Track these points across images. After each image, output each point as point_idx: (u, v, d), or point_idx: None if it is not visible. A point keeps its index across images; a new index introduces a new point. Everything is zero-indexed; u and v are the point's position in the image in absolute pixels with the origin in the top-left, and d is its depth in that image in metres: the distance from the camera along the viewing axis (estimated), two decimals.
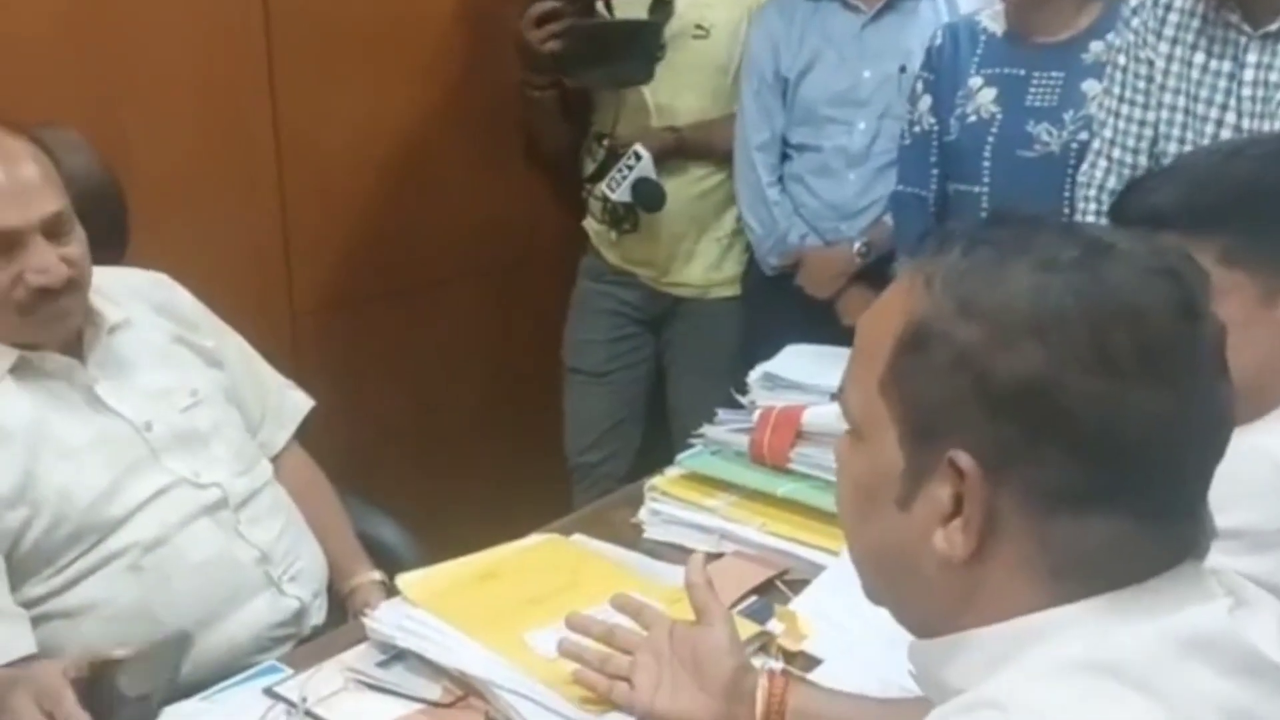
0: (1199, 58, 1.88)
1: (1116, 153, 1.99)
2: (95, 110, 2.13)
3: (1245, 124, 1.84)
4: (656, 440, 2.67)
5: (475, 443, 2.79)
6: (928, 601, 0.80)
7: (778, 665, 1.32)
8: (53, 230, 1.50)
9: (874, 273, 2.40)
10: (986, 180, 2.20)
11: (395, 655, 1.38)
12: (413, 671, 1.36)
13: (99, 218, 1.67)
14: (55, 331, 1.56)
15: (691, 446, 1.81)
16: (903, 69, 2.37)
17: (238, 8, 2.35)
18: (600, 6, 2.56)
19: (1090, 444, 0.73)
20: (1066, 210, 2.07)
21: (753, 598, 1.51)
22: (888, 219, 2.42)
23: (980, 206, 2.20)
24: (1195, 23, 1.88)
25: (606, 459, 2.77)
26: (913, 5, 2.43)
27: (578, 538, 1.66)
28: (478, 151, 2.73)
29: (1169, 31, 1.91)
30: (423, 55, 2.63)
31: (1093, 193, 2.02)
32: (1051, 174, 2.14)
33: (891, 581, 0.83)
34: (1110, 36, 2.06)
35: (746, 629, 1.35)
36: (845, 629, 1.41)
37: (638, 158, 2.53)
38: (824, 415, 1.66)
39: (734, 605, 1.45)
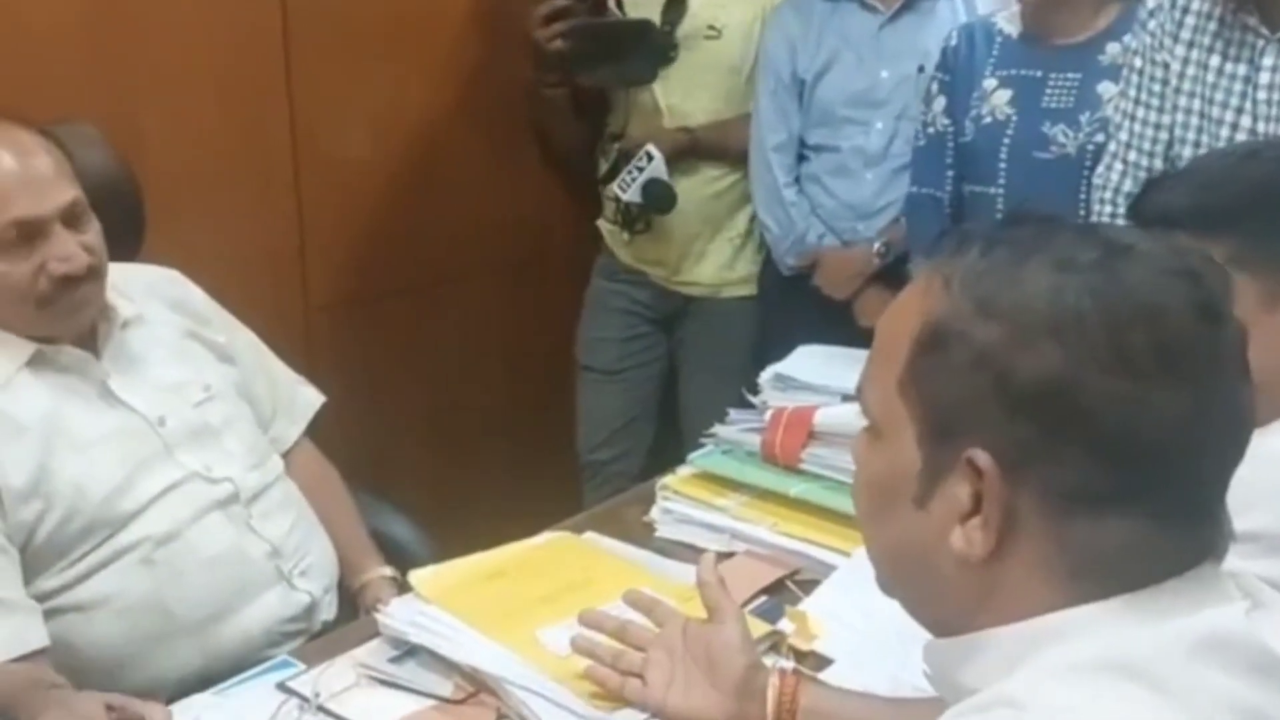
0: (1215, 61, 1.87)
1: (1132, 156, 1.98)
2: (112, 106, 2.13)
3: (1261, 127, 1.83)
4: (668, 439, 2.67)
5: (488, 440, 2.80)
6: (944, 600, 0.80)
7: (789, 664, 1.32)
8: (71, 218, 1.52)
9: (892, 273, 2.39)
10: (1002, 182, 2.19)
11: (407, 651, 1.39)
12: (425, 667, 1.36)
13: (115, 213, 1.68)
14: (72, 323, 1.56)
15: (703, 446, 1.81)
16: (921, 69, 2.36)
17: (255, 6, 2.35)
18: (612, 5, 2.57)
19: (1109, 444, 0.73)
20: (1082, 213, 2.07)
21: (763, 597, 1.51)
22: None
23: (996, 208, 2.19)
24: (1212, 25, 1.87)
25: (618, 457, 2.77)
26: (931, 5, 2.42)
27: (589, 536, 1.66)
28: (492, 149, 2.73)
29: (1185, 34, 1.90)
30: (438, 54, 2.63)
31: (1108, 195, 2.01)
32: (1067, 176, 2.13)
33: (908, 580, 0.84)
34: (1127, 39, 2.05)
35: (757, 629, 1.35)
36: (856, 629, 1.41)
37: (649, 158, 2.53)
38: (836, 416, 1.66)
39: (745, 605, 1.45)
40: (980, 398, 0.75)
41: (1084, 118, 2.13)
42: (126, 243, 1.79)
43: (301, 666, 1.40)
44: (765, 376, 1.84)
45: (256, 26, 2.36)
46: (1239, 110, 1.85)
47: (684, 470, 1.77)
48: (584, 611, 1.32)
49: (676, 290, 2.71)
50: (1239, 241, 1.15)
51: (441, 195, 2.67)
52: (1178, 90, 1.92)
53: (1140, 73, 1.96)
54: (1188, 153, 1.91)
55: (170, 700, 1.40)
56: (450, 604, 1.41)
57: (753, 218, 2.63)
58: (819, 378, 1.78)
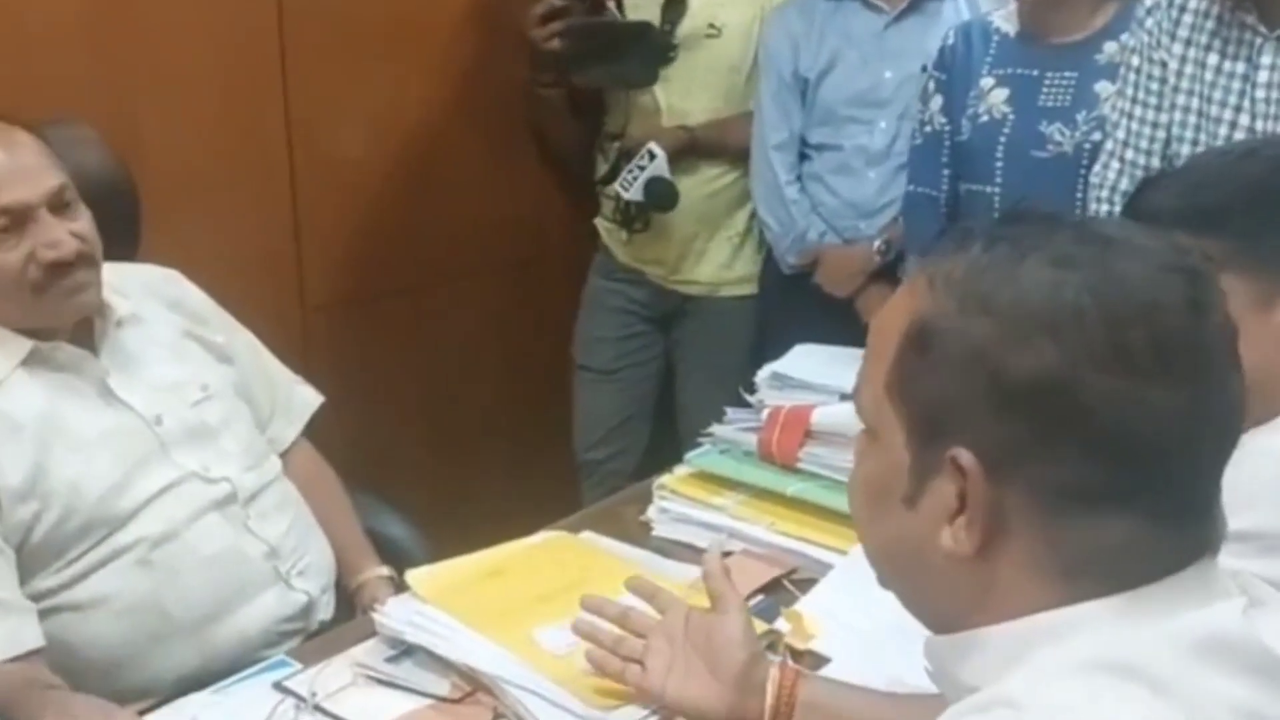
0: (1213, 59, 1.87)
1: (1129, 154, 1.98)
2: (109, 106, 2.13)
3: (1259, 126, 1.83)
4: (665, 438, 2.68)
5: (485, 439, 2.80)
6: (940, 598, 0.81)
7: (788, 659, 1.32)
8: (58, 205, 1.52)
9: (893, 271, 2.40)
10: (999, 180, 2.20)
11: (404, 650, 1.38)
12: (421, 667, 1.36)
13: (112, 213, 1.68)
14: (69, 309, 1.55)
15: (700, 445, 1.81)
16: (924, 69, 2.37)
17: (252, 6, 2.35)
18: (611, 5, 2.57)
19: (1103, 442, 0.73)
20: (1079, 211, 2.07)
21: (760, 596, 1.51)
22: None
23: (993, 207, 2.19)
24: (1210, 24, 1.87)
25: (614, 456, 2.77)
26: (936, 6, 2.42)
27: (586, 535, 1.66)
28: (489, 149, 2.73)
29: (1183, 33, 1.90)
30: (435, 52, 2.63)
31: (1105, 194, 2.01)
32: (1064, 174, 2.13)
33: (904, 577, 0.84)
34: (1124, 37, 2.05)
35: (754, 628, 1.35)
36: (853, 628, 1.41)
37: (651, 156, 2.53)
38: (833, 415, 1.65)
39: None
40: (968, 396, 0.75)
41: (1081, 116, 2.13)
42: (123, 242, 1.79)
43: (298, 666, 1.40)
44: (762, 375, 1.84)
45: (253, 26, 2.36)
46: (1237, 108, 1.85)
47: (681, 469, 1.77)
48: (586, 596, 1.32)
49: (674, 289, 2.71)
50: (1231, 241, 1.15)
51: (438, 195, 2.67)
52: (1175, 89, 1.92)
53: (1138, 71, 1.96)
54: (1185, 151, 1.91)
55: (166, 700, 1.40)
56: (447, 603, 1.41)
57: (752, 216, 2.63)
58: (816, 376, 1.78)
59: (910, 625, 0.86)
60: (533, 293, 2.89)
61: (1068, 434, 0.73)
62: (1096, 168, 2.04)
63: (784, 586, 1.54)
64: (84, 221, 1.55)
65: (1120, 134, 1.99)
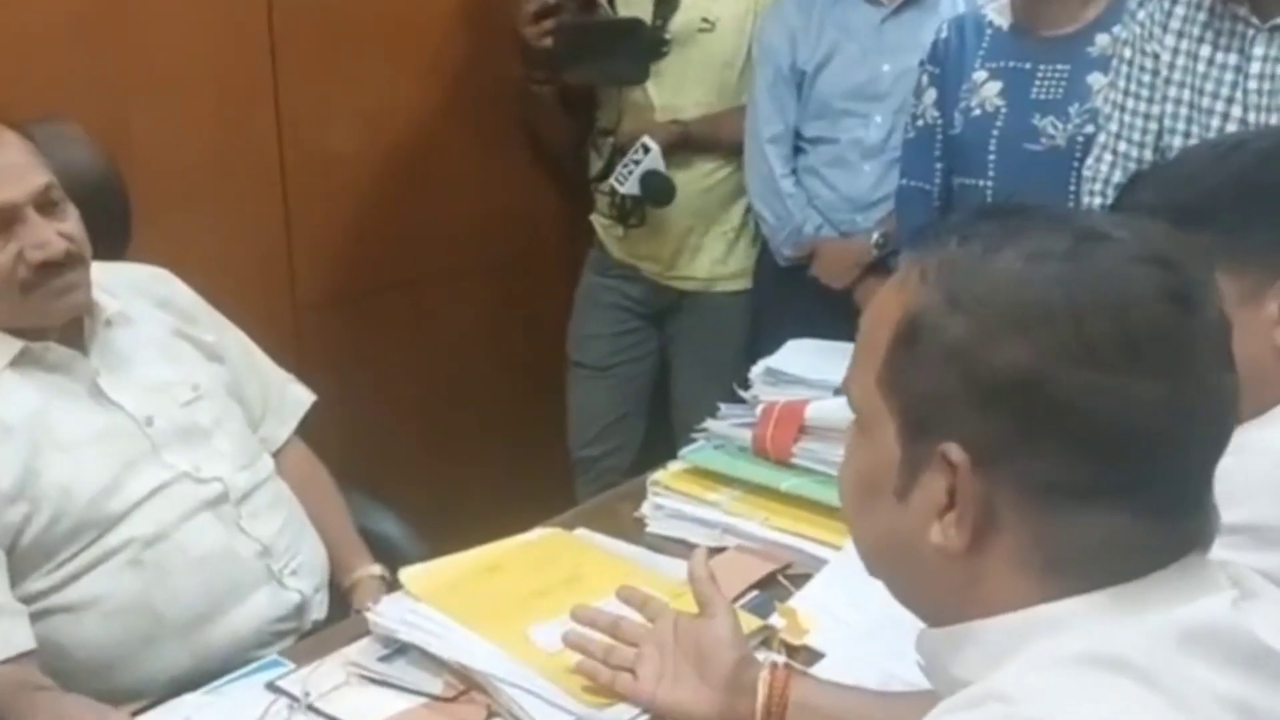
0: (1205, 50, 1.87)
1: (1122, 146, 1.98)
2: (98, 104, 2.12)
3: (1251, 117, 1.83)
4: (659, 435, 2.67)
5: (478, 436, 2.79)
6: (931, 592, 0.80)
7: (780, 659, 1.31)
8: (45, 204, 1.51)
9: (890, 264, 2.40)
10: (992, 174, 2.20)
11: (398, 649, 1.38)
12: (415, 665, 1.36)
13: (102, 212, 1.68)
14: (60, 308, 1.55)
15: (694, 441, 1.80)
16: (921, 63, 2.36)
17: (242, 3, 2.34)
18: (603, 1, 2.56)
19: (1082, 437, 0.72)
20: (1072, 204, 2.06)
21: (755, 592, 1.51)
22: None
23: (985, 200, 2.19)
24: (1201, 15, 1.87)
25: (609, 453, 2.77)
26: (934, 0, 2.42)
27: (581, 532, 1.66)
28: (481, 146, 2.73)
29: (1175, 24, 1.90)
30: (426, 49, 2.63)
31: (1098, 186, 2.01)
32: (1057, 167, 2.13)
33: (895, 571, 0.84)
34: (1116, 29, 2.05)
35: (748, 624, 1.35)
36: (847, 623, 1.41)
37: (646, 150, 2.52)
38: (827, 410, 1.65)
39: (736, 600, 1.44)
40: (953, 392, 0.74)
41: (1073, 109, 2.13)
42: (113, 241, 1.78)
43: (291, 666, 1.39)
44: (756, 371, 1.83)
45: (243, 24, 2.35)
46: (1229, 100, 1.85)
47: (675, 465, 1.77)
48: (577, 607, 1.32)
49: (669, 285, 2.70)
50: (1216, 237, 1.13)
51: (430, 192, 2.66)
52: (1167, 80, 1.91)
53: (1129, 63, 1.96)
54: (1178, 143, 1.91)
55: (159, 701, 1.40)
56: (441, 601, 1.41)
57: (746, 211, 2.63)
58: (810, 371, 1.78)
59: (904, 620, 0.86)
60: (526, 290, 2.88)
61: (1048, 429, 0.73)
62: (1089, 160, 2.04)
63: (778, 581, 1.54)
64: (71, 221, 1.54)
65: (1112, 126, 1.99)
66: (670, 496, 1.70)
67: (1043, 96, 2.15)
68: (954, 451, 0.74)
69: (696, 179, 2.62)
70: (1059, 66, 2.15)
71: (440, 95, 2.66)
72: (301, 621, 1.66)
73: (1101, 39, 2.13)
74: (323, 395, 1.93)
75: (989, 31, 2.23)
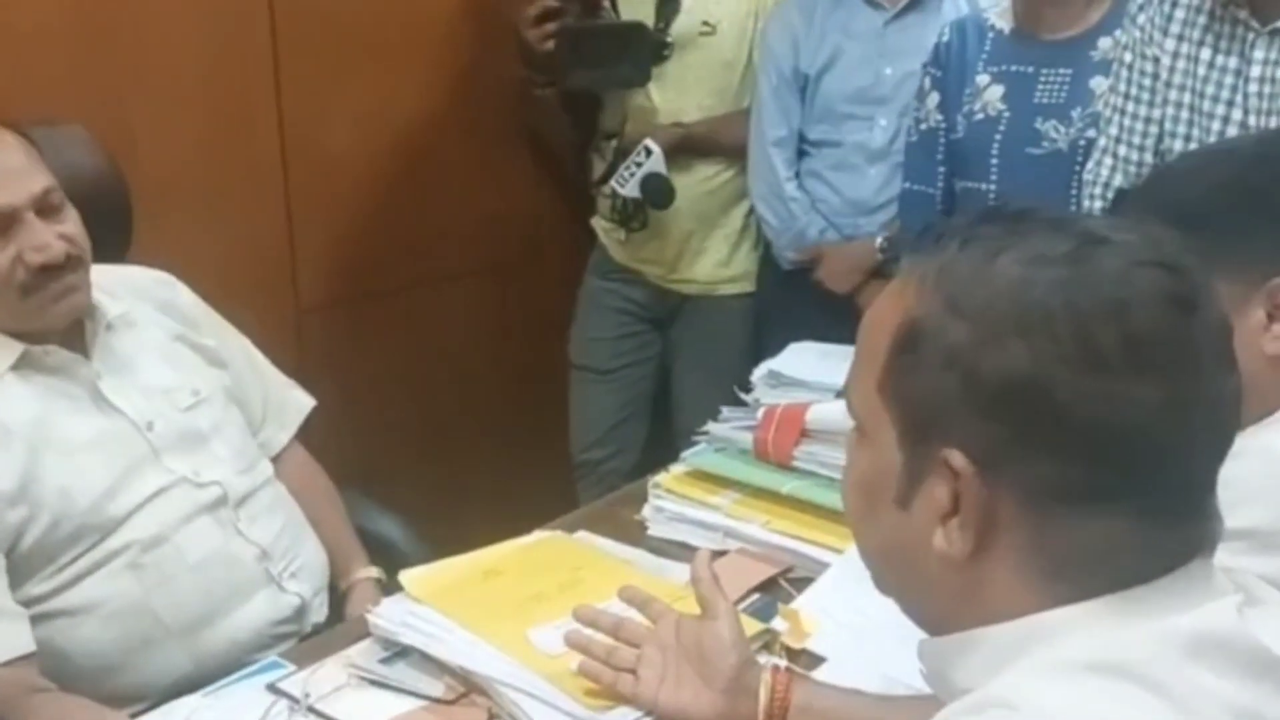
0: (1205, 54, 1.87)
1: (1122, 150, 1.98)
2: (100, 106, 2.12)
3: (1252, 121, 1.83)
4: (661, 438, 2.67)
5: (480, 440, 2.79)
6: (933, 599, 0.80)
7: (781, 662, 1.31)
8: (45, 208, 1.51)
9: (893, 268, 2.39)
10: (994, 178, 2.20)
11: (398, 652, 1.38)
12: (415, 668, 1.36)
13: (103, 214, 1.68)
14: (60, 311, 1.55)
15: (696, 444, 1.80)
16: (924, 66, 2.36)
17: (244, 5, 2.35)
18: (606, 4, 2.56)
19: (1084, 442, 0.72)
20: (1074, 208, 2.07)
21: (756, 595, 1.51)
22: None
23: (988, 204, 2.19)
24: (1202, 19, 1.87)
25: (611, 456, 2.76)
26: (936, 3, 2.41)
27: (582, 535, 1.66)
28: (483, 148, 2.73)
29: (1175, 28, 1.90)
30: (428, 52, 2.63)
31: (1099, 190, 2.01)
32: (1059, 171, 2.13)
33: (898, 578, 0.83)
34: (1118, 33, 2.05)
35: (750, 627, 1.35)
36: (849, 627, 1.41)
37: (648, 153, 2.52)
38: (829, 413, 1.65)
39: (737, 603, 1.44)
40: (953, 397, 0.74)
41: (1076, 113, 2.13)
42: (114, 244, 1.78)
43: (291, 667, 1.39)
44: (758, 373, 1.83)
45: (244, 26, 2.35)
46: (1230, 103, 1.85)
47: (676, 468, 1.77)
48: (579, 607, 1.32)
49: (671, 288, 2.70)
50: (1209, 243, 1.13)
51: (432, 195, 2.67)
52: (1168, 84, 1.91)
53: (1130, 67, 1.96)
54: (1178, 146, 1.91)
55: (159, 703, 1.40)
56: (441, 604, 1.41)
57: (748, 214, 2.63)
58: (812, 374, 1.78)
59: (906, 624, 0.85)
60: (528, 293, 2.88)
61: (1048, 434, 0.72)
62: (1090, 164, 2.04)
63: (780, 585, 1.54)
64: (72, 223, 1.54)
65: (1113, 130, 1.99)
66: (671, 500, 1.70)
67: (1045, 100, 2.15)
68: (956, 458, 0.74)
69: (698, 182, 2.61)
70: (1061, 70, 2.15)
71: (442, 98, 2.66)
72: (301, 624, 1.66)
73: (1104, 43, 2.13)
74: (324, 397, 1.93)
75: (991, 35, 2.23)
